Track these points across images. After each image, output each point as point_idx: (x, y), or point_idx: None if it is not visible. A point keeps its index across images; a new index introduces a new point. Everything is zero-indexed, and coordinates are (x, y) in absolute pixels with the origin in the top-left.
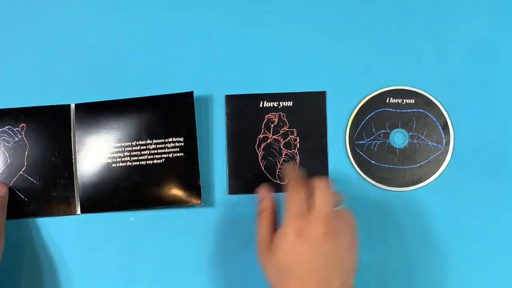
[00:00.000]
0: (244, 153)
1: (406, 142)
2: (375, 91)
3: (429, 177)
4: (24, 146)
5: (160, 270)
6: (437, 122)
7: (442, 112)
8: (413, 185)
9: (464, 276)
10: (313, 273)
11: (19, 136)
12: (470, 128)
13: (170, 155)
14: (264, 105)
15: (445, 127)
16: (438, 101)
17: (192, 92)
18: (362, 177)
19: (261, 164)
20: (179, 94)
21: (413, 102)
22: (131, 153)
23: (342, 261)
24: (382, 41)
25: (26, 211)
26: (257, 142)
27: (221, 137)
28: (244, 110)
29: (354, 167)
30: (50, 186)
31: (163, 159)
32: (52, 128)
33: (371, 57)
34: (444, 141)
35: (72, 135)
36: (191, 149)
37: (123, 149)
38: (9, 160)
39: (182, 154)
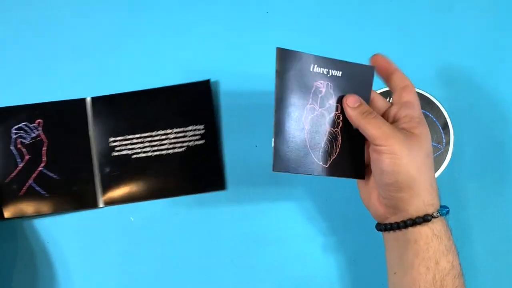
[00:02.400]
0: (294, 124)
1: None
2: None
3: None
4: (42, 141)
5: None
6: (437, 122)
7: (442, 112)
8: None
9: (464, 275)
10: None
11: (36, 132)
12: (470, 128)
13: (191, 143)
14: (315, 70)
15: (445, 127)
16: (438, 101)
17: (208, 80)
18: None
19: (306, 140)
20: (196, 82)
21: None
22: (151, 144)
23: None
24: (382, 41)
25: (48, 207)
26: (305, 113)
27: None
28: (297, 72)
29: None
30: (70, 181)
31: (184, 148)
32: (69, 122)
33: None
34: (444, 141)
35: (89, 128)
36: (212, 135)
37: (143, 140)
38: (27, 157)
39: (204, 141)
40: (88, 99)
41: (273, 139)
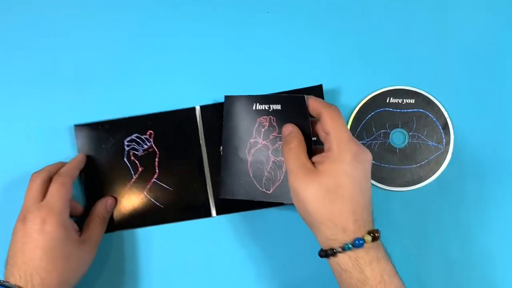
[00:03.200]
0: (237, 158)
1: (406, 142)
2: (375, 91)
3: (429, 177)
4: (154, 153)
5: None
6: (437, 122)
7: (442, 112)
8: (413, 185)
9: (464, 275)
10: (363, 195)
11: (148, 144)
12: (470, 128)
13: None
14: (257, 108)
15: (445, 127)
16: (438, 101)
17: (321, 85)
18: None
19: (250, 171)
20: (308, 88)
21: (413, 102)
22: None
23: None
24: (382, 41)
25: (162, 218)
26: (248, 147)
27: None
28: (239, 112)
29: None
30: (183, 191)
31: None
32: (180, 132)
33: (371, 57)
34: (444, 141)
35: (200, 137)
36: None
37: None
38: (140, 169)
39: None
40: (198, 108)
41: (221, 171)
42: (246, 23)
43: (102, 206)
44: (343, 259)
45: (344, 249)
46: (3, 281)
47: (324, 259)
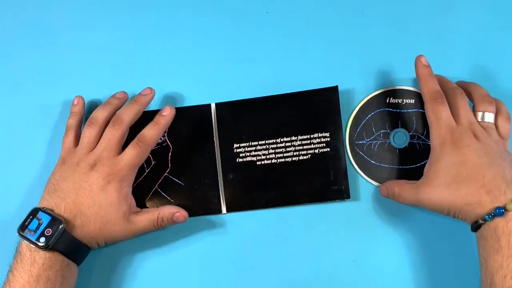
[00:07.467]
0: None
1: (406, 142)
2: (375, 91)
3: None
4: (168, 147)
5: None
6: None
7: None
8: None
9: (464, 276)
10: (487, 168)
11: (162, 138)
12: None
13: (316, 150)
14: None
15: None
16: None
17: (336, 87)
18: (362, 177)
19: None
20: (324, 89)
21: (413, 102)
22: (276, 150)
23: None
24: (382, 41)
25: None
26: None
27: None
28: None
29: (354, 167)
30: (194, 186)
31: (309, 155)
32: (194, 128)
33: (371, 57)
34: None
35: (214, 134)
36: (337, 144)
37: (268, 146)
38: (153, 162)
39: (329, 149)
40: (213, 105)
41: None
42: (248, 23)
43: (170, 213)
44: (483, 229)
45: (485, 219)
46: (51, 210)
47: None
